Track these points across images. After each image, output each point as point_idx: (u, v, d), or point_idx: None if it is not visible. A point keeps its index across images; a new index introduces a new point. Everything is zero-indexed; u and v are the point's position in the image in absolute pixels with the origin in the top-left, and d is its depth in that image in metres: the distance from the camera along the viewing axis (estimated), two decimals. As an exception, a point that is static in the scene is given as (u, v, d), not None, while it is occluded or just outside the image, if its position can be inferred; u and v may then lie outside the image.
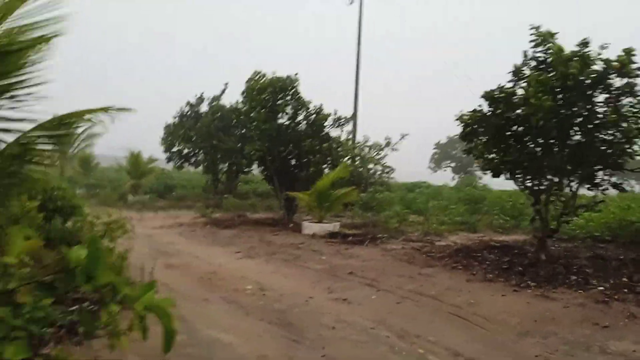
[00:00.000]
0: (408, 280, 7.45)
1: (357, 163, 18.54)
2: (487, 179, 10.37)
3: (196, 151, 19.21)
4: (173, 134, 19.10)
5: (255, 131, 13.50)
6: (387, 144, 20.70)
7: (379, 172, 20.01)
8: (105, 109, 3.54)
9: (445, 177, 38.02)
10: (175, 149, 19.45)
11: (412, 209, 15.29)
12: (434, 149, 49.00)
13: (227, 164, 18.90)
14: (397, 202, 15.84)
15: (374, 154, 20.62)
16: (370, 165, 19.92)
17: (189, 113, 19.31)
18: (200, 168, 20.54)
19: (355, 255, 9.40)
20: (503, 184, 8.90)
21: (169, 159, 19.86)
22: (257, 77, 13.74)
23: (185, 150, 19.39)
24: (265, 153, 13.44)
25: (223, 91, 19.09)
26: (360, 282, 7.45)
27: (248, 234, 11.92)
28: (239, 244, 10.68)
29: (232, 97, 16.68)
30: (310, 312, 5.90)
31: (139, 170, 21.79)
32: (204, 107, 19.19)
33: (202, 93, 19.47)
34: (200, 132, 18.11)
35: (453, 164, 46.36)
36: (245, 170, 18.93)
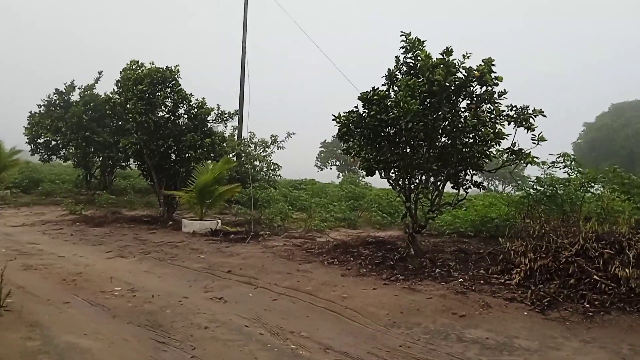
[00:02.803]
0: (286, 276, 7.51)
1: (242, 160, 18.35)
2: (369, 177, 10.78)
3: (66, 143, 17.78)
4: (39, 124, 17.49)
5: (132, 124, 12.78)
6: (274, 142, 20.77)
7: (265, 169, 20.00)
8: None
9: (332, 175, 39.09)
10: (41, 140, 17.83)
11: (296, 206, 15.48)
12: (320, 147, 50.18)
13: (101, 158, 17.73)
14: (281, 199, 15.93)
15: (260, 151, 20.58)
16: (257, 163, 19.85)
17: (57, 102, 17.80)
18: (71, 162, 19.06)
19: (236, 253, 9.29)
20: (384, 182, 9.27)
21: (33, 151, 18.16)
22: (134, 66, 13.02)
23: (53, 142, 17.87)
24: (142, 147, 12.77)
25: (97, 79, 17.90)
26: (238, 280, 7.37)
27: (122, 232, 11.27)
28: (110, 242, 10.06)
29: (107, 86, 15.73)
30: (183, 313, 5.71)
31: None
32: (75, 96, 17.83)
33: (73, 80, 18.11)
34: (71, 122, 16.79)
35: (338, 163, 47.73)
36: (122, 164, 17.91)
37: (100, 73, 18.26)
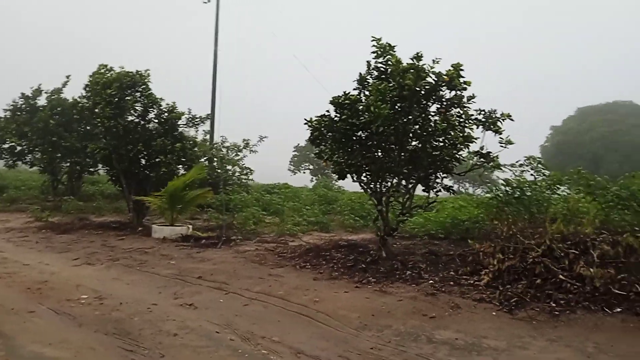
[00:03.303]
0: (258, 281, 7.46)
1: (214, 164, 18.19)
2: (342, 181, 10.79)
3: (32, 149, 17.37)
4: (4, 129, 17.04)
5: (100, 128, 12.54)
6: (246, 146, 20.66)
7: (237, 174, 19.86)
8: None
9: (306, 179, 39.07)
10: (6, 146, 17.37)
11: (269, 211, 15.41)
12: (294, 151, 50.10)
13: (68, 163, 17.36)
14: (254, 203, 15.84)
15: (233, 155, 20.43)
16: (229, 167, 19.70)
17: (23, 106, 17.39)
18: (37, 168, 18.61)
19: (207, 258, 9.19)
20: (357, 185, 9.32)
21: (-3, 157, 17.71)
22: (103, 70, 12.80)
23: (19, 148, 17.44)
24: (110, 152, 12.54)
25: (65, 84, 17.53)
26: (209, 285, 7.29)
27: (89, 239, 11.02)
28: (77, 249, 9.82)
29: (75, 91, 15.45)
30: (152, 320, 5.62)
31: (-38, 168, 19.08)
32: (42, 101, 17.45)
33: (40, 85, 17.71)
34: (37, 127, 16.41)
35: (311, 167, 47.71)
36: (90, 170, 17.58)
37: (68, 77, 17.90)
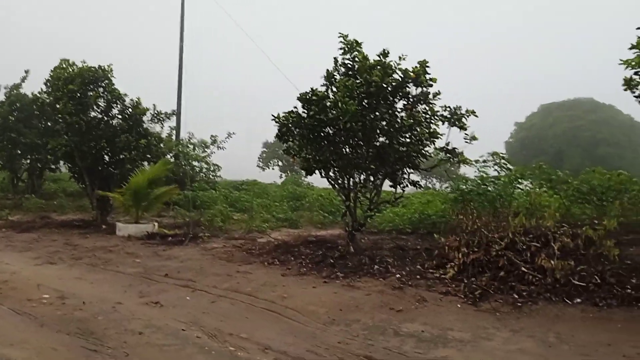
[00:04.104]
0: (225, 278, 7.41)
1: (181, 161, 17.94)
2: (312, 177, 10.78)
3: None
4: (-40, 126, 16.43)
5: (62, 125, 12.21)
6: (214, 142, 20.44)
7: (204, 170, 19.64)
8: None
9: (275, 176, 38.91)
10: (-37, 143, 16.74)
11: (238, 208, 15.29)
12: (262, 147, 49.83)
13: (28, 160, 16.86)
14: (222, 200, 15.68)
15: (200, 151, 20.18)
16: (196, 163, 19.45)
17: (-20, 102, 16.83)
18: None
19: (174, 256, 9.07)
20: (326, 181, 9.34)
21: (-46, 155, 17.03)
22: (65, 65, 12.46)
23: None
24: (73, 149, 12.23)
25: (24, 78, 17.01)
26: (175, 283, 7.20)
27: (51, 238, 10.73)
28: (39, 248, 9.56)
29: (35, 86, 15.04)
30: (117, 319, 5.51)
31: None
32: (0, 96, 16.90)
33: (-5, 80, 17.19)
34: (-5, 124, 15.91)
35: (280, 163, 47.52)
36: (52, 167, 17.10)
37: (26, 72, 17.38)
